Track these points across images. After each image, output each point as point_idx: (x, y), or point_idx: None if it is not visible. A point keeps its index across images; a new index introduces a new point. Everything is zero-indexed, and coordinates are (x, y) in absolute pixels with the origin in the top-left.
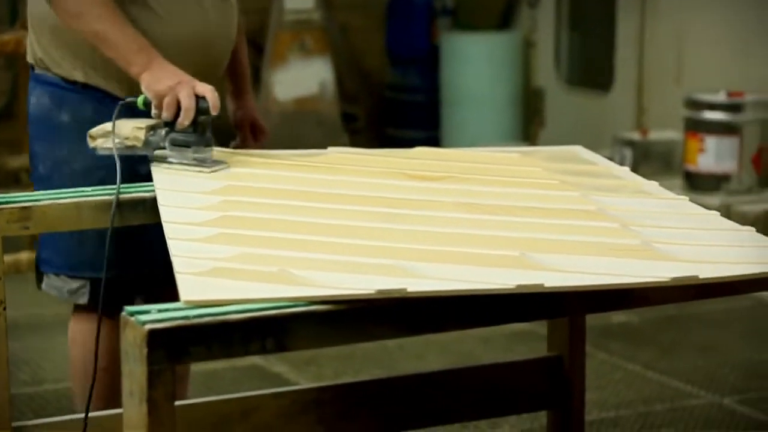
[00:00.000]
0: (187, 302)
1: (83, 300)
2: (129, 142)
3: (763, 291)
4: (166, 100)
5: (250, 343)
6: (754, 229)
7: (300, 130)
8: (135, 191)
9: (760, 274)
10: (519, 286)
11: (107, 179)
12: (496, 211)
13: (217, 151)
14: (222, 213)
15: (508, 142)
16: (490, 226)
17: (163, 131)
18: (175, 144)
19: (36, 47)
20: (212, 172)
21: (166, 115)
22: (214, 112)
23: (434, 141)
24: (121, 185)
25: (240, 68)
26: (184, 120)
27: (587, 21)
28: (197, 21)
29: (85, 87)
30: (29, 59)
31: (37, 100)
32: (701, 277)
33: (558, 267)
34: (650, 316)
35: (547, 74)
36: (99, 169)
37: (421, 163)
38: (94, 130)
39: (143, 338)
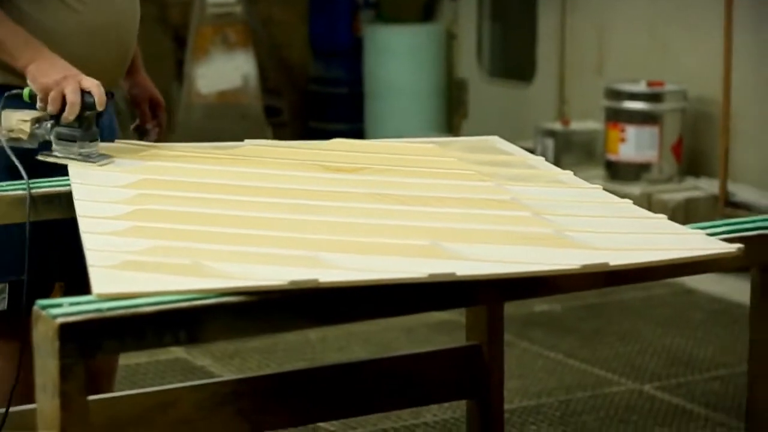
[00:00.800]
0: (99, 295)
1: (2, 306)
2: (14, 134)
3: (673, 277)
4: (52, 94)
5: (163, 335)
6: (665, 216)
7: (223, 123)
8: (50, 186)
9: (670, 260)
10: (431, 275)
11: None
12: (410, 202)
13: (134, 144)
14: (137, 206)
15: (431, 133)
16: (404, 216)
17: (48, 124)
18: (61, 138)
19: None
20: (100, 166)
21: (51, 108)
22: (99, 108)
23: (358, 133)
24: (38, 180)
25: None
26: (69, 115)
27: (509, 12)
28: (109, 11)
29: None
30: None
31: None
32: (611, 264)
33: (470, 256)
34: (572, 304)
35: (469, 66)
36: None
37: (336, 154)
38: None
39: (55, 332)
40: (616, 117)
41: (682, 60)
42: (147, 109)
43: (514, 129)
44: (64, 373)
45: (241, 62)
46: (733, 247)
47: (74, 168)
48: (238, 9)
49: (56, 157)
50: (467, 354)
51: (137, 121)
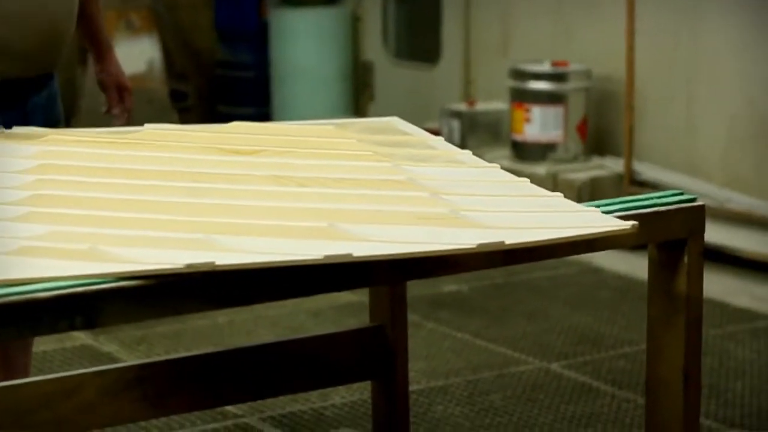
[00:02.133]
0: None
1: None
2: None
3: (570, 255)
4: None
5: (59, 320)
6: (562, 195)
7: None
8: None
9: (565, 238)
10: (327, 257)
11: None
12: (307, 183)
13: (34, 130)
14: (34, 192)
15: (338, 116)
16: (301, 198)
17: None
18: None
19: None
20: None
21: None
22: None
23: (265, 117)
24: None
25: (98, 34)
26: None
27: None
28: None
29: None
30: None
31: None
32: (507, 242)
33: (367, 237)
34: (479, 284)
35: (375, 48)
36: None
37: (235, 137)
38: None
39: None
40: (521, 97)
41: (586, 40)
42: (114, 94)
43: (421, 110)
44: None
45: (145, 47)
46: (627, 224)
47: None
48: None
49: None
50: (370, 335)
51: (106, 107)
